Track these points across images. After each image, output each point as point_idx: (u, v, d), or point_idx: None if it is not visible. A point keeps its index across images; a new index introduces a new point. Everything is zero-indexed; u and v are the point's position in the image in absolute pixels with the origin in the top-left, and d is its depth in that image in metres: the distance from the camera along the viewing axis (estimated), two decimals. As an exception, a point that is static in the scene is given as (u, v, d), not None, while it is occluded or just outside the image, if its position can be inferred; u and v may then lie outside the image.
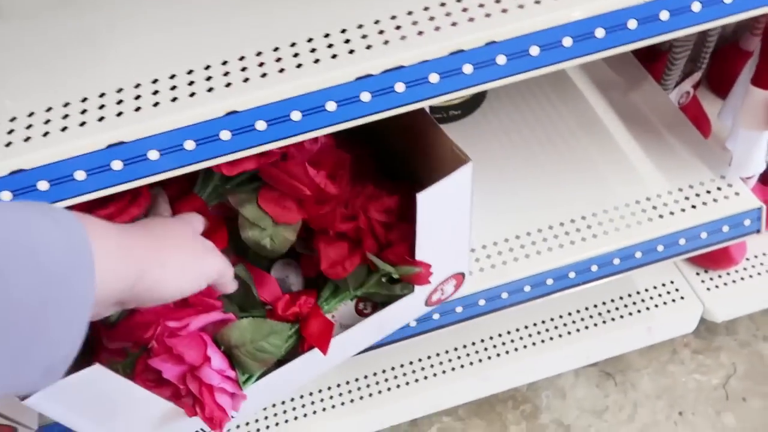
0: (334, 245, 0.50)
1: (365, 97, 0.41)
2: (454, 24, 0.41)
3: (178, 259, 0.39)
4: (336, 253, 0.50)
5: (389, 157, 0.58)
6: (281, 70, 0.41)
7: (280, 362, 0.52)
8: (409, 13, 0.43)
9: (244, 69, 0.41)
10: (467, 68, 0.41)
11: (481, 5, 0.42)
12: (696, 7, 0.43)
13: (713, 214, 0.61)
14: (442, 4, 0.43)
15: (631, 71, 0.76)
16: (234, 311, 0.52)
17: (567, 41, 0.42)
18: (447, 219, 0.49)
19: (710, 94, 0.94)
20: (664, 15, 0.42)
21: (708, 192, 0.63)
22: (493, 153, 0.69)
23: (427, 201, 0.44)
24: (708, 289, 0.79)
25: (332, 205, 0.49)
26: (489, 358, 0.76)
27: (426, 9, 0.42)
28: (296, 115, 0.40)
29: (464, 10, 0.42)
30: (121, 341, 0.49)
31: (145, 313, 0.47)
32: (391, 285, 0.53)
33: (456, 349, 0.77)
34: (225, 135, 0.40)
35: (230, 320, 0.48)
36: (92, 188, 0.40)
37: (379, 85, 0.41)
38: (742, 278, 0.80)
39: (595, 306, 0.79)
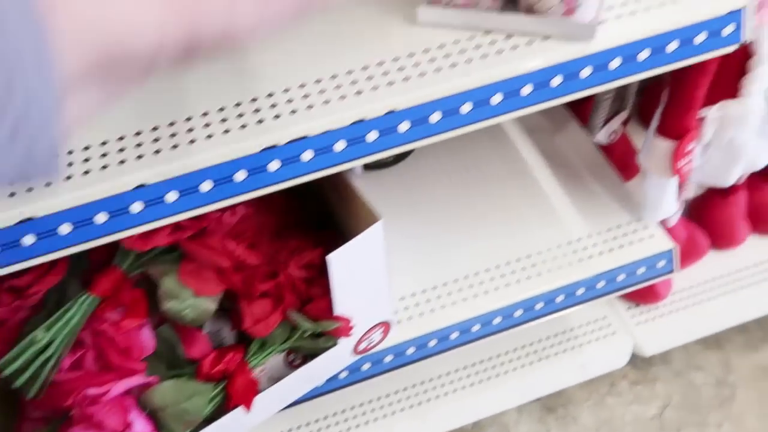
0: (257, 303, 0.51)
1: (273, 166, 0.42)
2: (358, 92, 0.44)
3: None
4: (259, 310, 0.51)
5: (322, 206, 0.60)
6: (192, 141, 0.42)
7: (211, 419, 0.52)
8: (318, 81, 0.45)
9: (156, 140, 0.42)
10: (371, 135, 0.44)
11: (385, 73, 0.45)
12: (585, 72, 0.46)
13: (629, 257, 0.64)
14: (349, 72, 0.45)
15: (557, 115, 0.79)
16: (162, 371, 0.52)
17: (467, 107, 0.45)
18: (363, 274, 0.50)
19: (644, 130, 0.98)
20: (557, 80, 0.46)
21: (625, 235, 0.66)
22: (422, 199, 0.71)
23: (339, 260, 0.46)
24: (638, 323, 0.82)
25: (252, 270, 0.50)
26: (429, 400, 0.77)
27: (333, 77, 0.45)
28: (206, 186, 0.42)
29: (369, 78, 0.44)
30: (43, 410, 0.49)
31: (67, 380, 0.47)
32: (315, 338, 0.54)
33: (396, 392, 0.78)
34: (136, 207, 0.41)
35: (153, 383, 0.49)
36: (4, 263, 0.41)
37: (286, 154, 0.42)
38: (670, 312, 0.83)
39: (532, 344, 0.81)
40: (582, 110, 0.85)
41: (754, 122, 0.58)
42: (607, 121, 0.85)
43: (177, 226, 0.44)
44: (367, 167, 0.74)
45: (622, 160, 0.78)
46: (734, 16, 0.47)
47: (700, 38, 0.47)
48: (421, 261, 0.66)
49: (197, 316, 0.49)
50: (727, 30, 0.47)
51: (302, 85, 0.44)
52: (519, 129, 0.77)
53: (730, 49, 0.48)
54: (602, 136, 0.85)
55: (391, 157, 0.74)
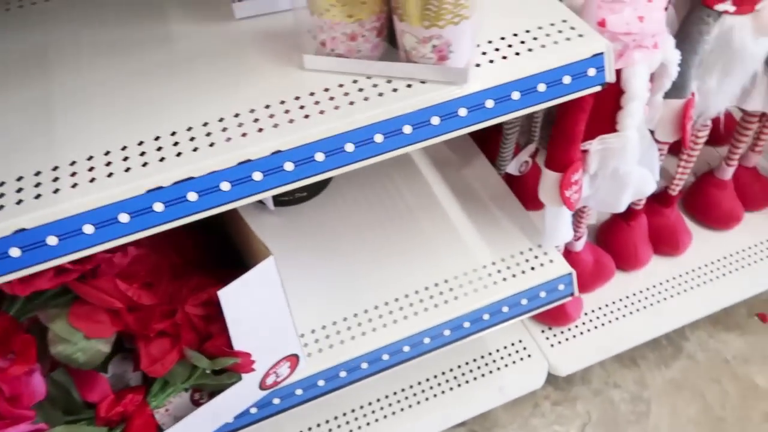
0: (155, 342, 0.51)
1: (158, 207, 0.43)
2: (244, 134, 0.45)
3: None
4: (157, 350, 0.51)
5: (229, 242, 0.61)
6: (74, 185, 0.42)
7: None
8: (205, 124, 0.46)
9: (38, 185, 0.43)
10: (257, 175, 0.45)
11: (272, 116, 0.46)
12: (462, 112, 0.49)
13: (531, 282, 0.67)
14: (236, 115, 0.46)
15: (465, 149, 0.83)
16: (57, 417, 0.51)
17: (350, 146, 0.47)
18: (260, 308, 0.51)
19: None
20: (435, 120, 0.48)
21: (527, 261, 0.69)
22: (336, 232, 0.73)
23: (230, 296, 0.47)
24: (552, 345, 0.85)
25: (148, 309, 0.50)
26: (351, 431, 0.77)
27: (221, 120, 0.46)
28: (89, 229, 0.42)
29: (255, 120, 0.46)
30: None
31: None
32: (218, 375, 0.54)
33: (318, 425, 0.78)
34: (14, 252, 0.41)
35: (42, 430, 0.48)
36: None
37: (172, 195, 0.43)
38: (582, 333, 0.86)
39: (452, 369, 0.83)
40: (493, 143, 0.89)
41: (634, 153, 0.62)
42: (516, 153, 0.90)
43: (61, 269, 0.44)
44: (282, 203, 0.76)
45: (534, 191, 0.82)
46: (597, 59, 0.51)
47: (567, 79, 0.51)
48: (332, 293, 0.67)
49: (89, 359, 0.48)
50: (592, 71, 0.51)
51: (189, 128, 0.46)
52: (430, 163, 0.81)
53: (596, 88, 0.53)
54: (512, 167, 0.89)
55: (305, 192, 0.76)
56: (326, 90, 0.48)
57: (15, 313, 0.48)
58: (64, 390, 0.51)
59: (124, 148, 0.45)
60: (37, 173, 0.43)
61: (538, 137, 0.92)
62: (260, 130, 0.45)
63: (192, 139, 0.45)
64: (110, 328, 0.49)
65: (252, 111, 0.47)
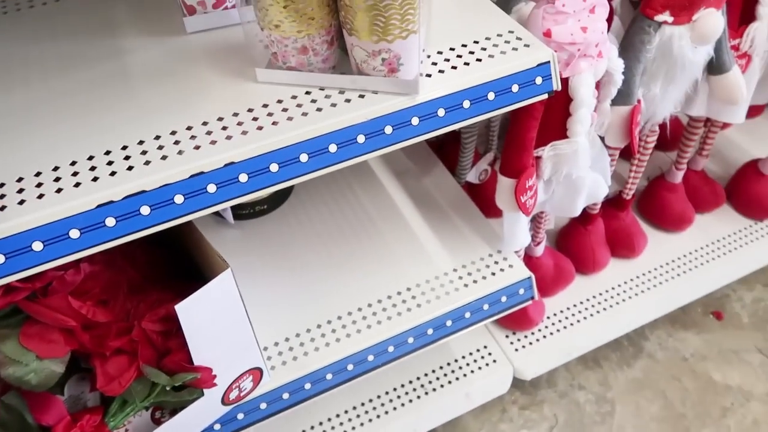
0: (112, 360, 0.50)
1: (110, 222, 0.43)
2: (197, 147, 0.45)
3: None
4: (114, 368, 0.50)
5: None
6: (21, 202, 0.42)
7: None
8: (157, 137, 0.46)
9: (-16, 202, 0.42)
10: (211, 187, 0.45)
11: (224, 128, 0.47)
12: (415, 121, 0.50)
13: (492, 287, 0.68)
14: (189, 128, 0.47)
15: (424, 158, 0.84)
16: (10, 441, 0.50)
17: (304, 157, 0.47)
18: (220, 322, 0.51)
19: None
20: (389, 129, 0.49)
21: (487, 266, 0.71)
22: (298, 244, 0.73)
23: (188, 311, 0.46)
24: (516, 349, 0.87)
25: (104, 327, 0.49)
26: (318, 444, 0.77)
27: (173, 133, 0.46)
28: (38, 246, 0.41)
29: (208, 133, 0.46)
30: None
31: None
32: (178, 391, 0.53)
33: (286, 440, 0.77)
34: (-41, 271, 0.40)
35: (-8, 455, 0.46)
36: None
37: (124, 209, 0.43)
38: (545, 336, 0.88)
39: (418, 378, 0.83)
40: (452, 153, 0.90)
41: (585, 159, 0.64)
42: (475, 161, 0.92)
43: (9, 288, 0.43)
44: (242, 216, 0.76)
45: (494, 198, 0.83)
46: (543, 68, 0.53)
47: (515, 88, 0.52)
48: (295, 305, 0.67)
49: (42, 380, 0.47)
50: (539, 80, 0.53)
51: (141, 142, 0.46)
52: (390, 173, 0.81)
53: (544, 96, 0.54)
54: (472, 176, 0.91)
55: (266, 204, 0.76)
56: (279, 102, 0.48)
57: (-38, 335, 0.47)
58: (17, 414, 0.49)
59: (73, 163, 0.44)
60: (-16, 191, 0.43)
61: (496, 145, 0.94)
62: (213, 142, 0.46)
63: (144, 152, 0.45)
64: (64, 348, 0.48)
65: (205, 124, 0.47)
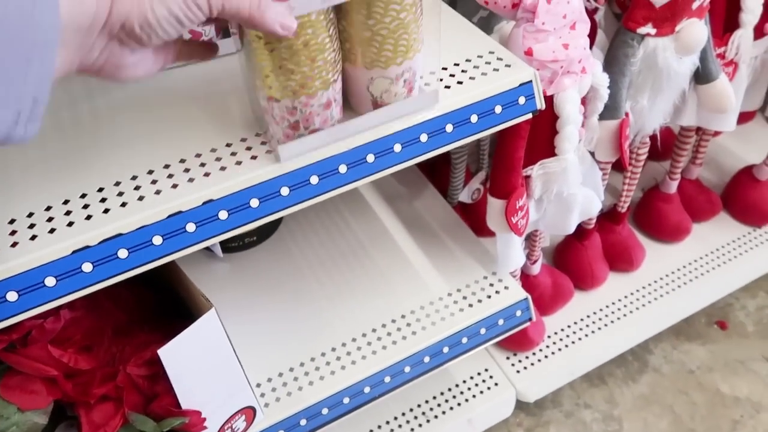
0: (97, 408, 0.49)
1: (87, 267, 0.42)
2: (174, 186, 0.44)
3: None
4: (99, 416, 0.49)
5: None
6: (-5, 251, 0.41)
7: None
8: (134, 177, 0.45)
9: (-44, 253, 0.41)
10: (190, 226, 0.44)
11: (202, 164, 0.46)
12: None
13: (488, 310, 0.67)
14: (166, 166, 0.46)
15: (414, 182, 0.83)
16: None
17: (285, 190, 0.46)
18: (206, 362, 0.49)
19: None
20: (370, 158, 0.48)
21: (482, 289, 0.69)
22: (289, 275, 0.72)
23: (172, 354, 0.45)
24: (518, 371, 0.85)
25: (88, 374, 0.47)
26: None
27: (150, 173, 0.45)
28: (12, 296, 0.40)
29: (186, 170, 0.45)
30: None
31: None
32: (168, 437, 0.51)
33: (285, 477, 0.75)
34: (-70, 326, 0.39)
35: None
36: None
37: (100, 254, 0.42)
38: (546, 356, 0.86)
39: (419, 405, 0.81)
40: (443, 174, 0.90)
41: (575, 175, 0.63)
42: (467, 181, 0.91)
43: (-15, 341, 0.42)
44: (231, 249, 0.74)
45: (483, 217, 0.82)
46: (526, 88, 0.52)
47: (498, 109, 0.52)
48: (287, 338, 0.65)
49: (24, 433, 0.46)
50: (522, 100, 0.52)
51: (117, 183, 0.45)
52: (380, 198, 0.80)
53: (528, 115, 0.54)
54: (465, 195, 0.90)
55: (255, 236, 0.75)
56: (257, 135, 0.48)
57: (-60, 390, 0.45)
58: (-1, 468, 0.47)
59: (48, 209, 0.43)
60: (-44, 241, 0.41)
61: (487, 164, 0.93)
62: (191, 180, 0.45)
63: (120, 194, 0.44)
64: (46, 398, 0.46)
65: (182, 161, 0.46)
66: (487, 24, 0.70)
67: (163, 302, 0.61)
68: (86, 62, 0.36)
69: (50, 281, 0.41)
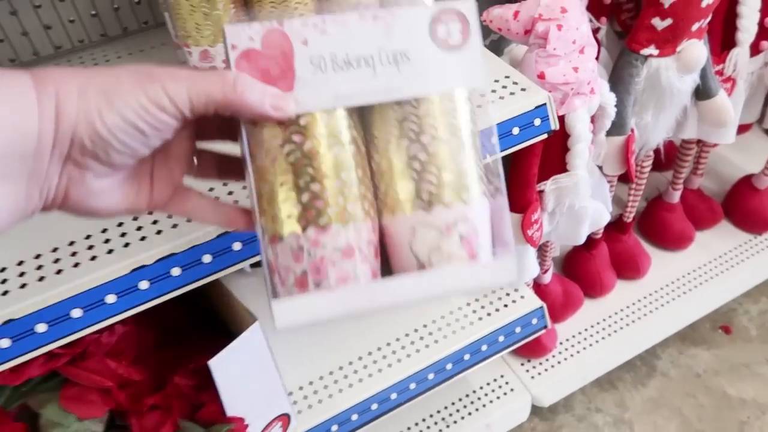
0: (147, 417, 0.52)
1: (143, 285, 0.45)
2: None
3: (103, 81, 0.28)
4: (150, 424, 0.52)
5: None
6: (58, 272, 0.44)
7: None
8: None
9: (22, 274, 0.44)
10: (236, 246, 0.47)
11: (155, 222, 0.49)
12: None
13: (506, 319, 0.70)
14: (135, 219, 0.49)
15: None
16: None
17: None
18: (250, 372, 0.52)
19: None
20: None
21: (499, 299, 0.72)
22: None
23: (220, 364, 0.48)
24: (532, 377, 0.88)
25: (139, 384, 0.51)
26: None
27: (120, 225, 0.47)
28: (77, 313, 0.44)
29: (144, 227, 0.48)
30: None
31: None
32: (212, 444, 0.54)
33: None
34: (4, 343, 0.42)
35: None
36: None
37: (156, 272, 0.45)
38: (559, 362, 0.89)
39: (438, 411, 0.84)
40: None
41: (586, 189, 0.67)
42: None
43: (51, 355, 0.45)
44: (258, 263, 0.78)
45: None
46: (541, 110, 0.56)
47: (516, 130, 0.55)
48: (317, 348, 0.68)
49: (83, 441, 0.49)
50: (537, 121, 0.56)
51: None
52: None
53: (543, 136, 0.57)
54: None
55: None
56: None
57: (3, 402, 0.48)
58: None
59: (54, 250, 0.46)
60: (20, 263, 0.45)
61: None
62: (143, 238, 0.48)
63: (123, 234, 0.47)
64: (102, 408, 0.49)
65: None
66: (497, 46, 0.74)
67: (190, 316, 0.64)
68: (47, 194, 0.29)
69: (111, 298, 0.44)
